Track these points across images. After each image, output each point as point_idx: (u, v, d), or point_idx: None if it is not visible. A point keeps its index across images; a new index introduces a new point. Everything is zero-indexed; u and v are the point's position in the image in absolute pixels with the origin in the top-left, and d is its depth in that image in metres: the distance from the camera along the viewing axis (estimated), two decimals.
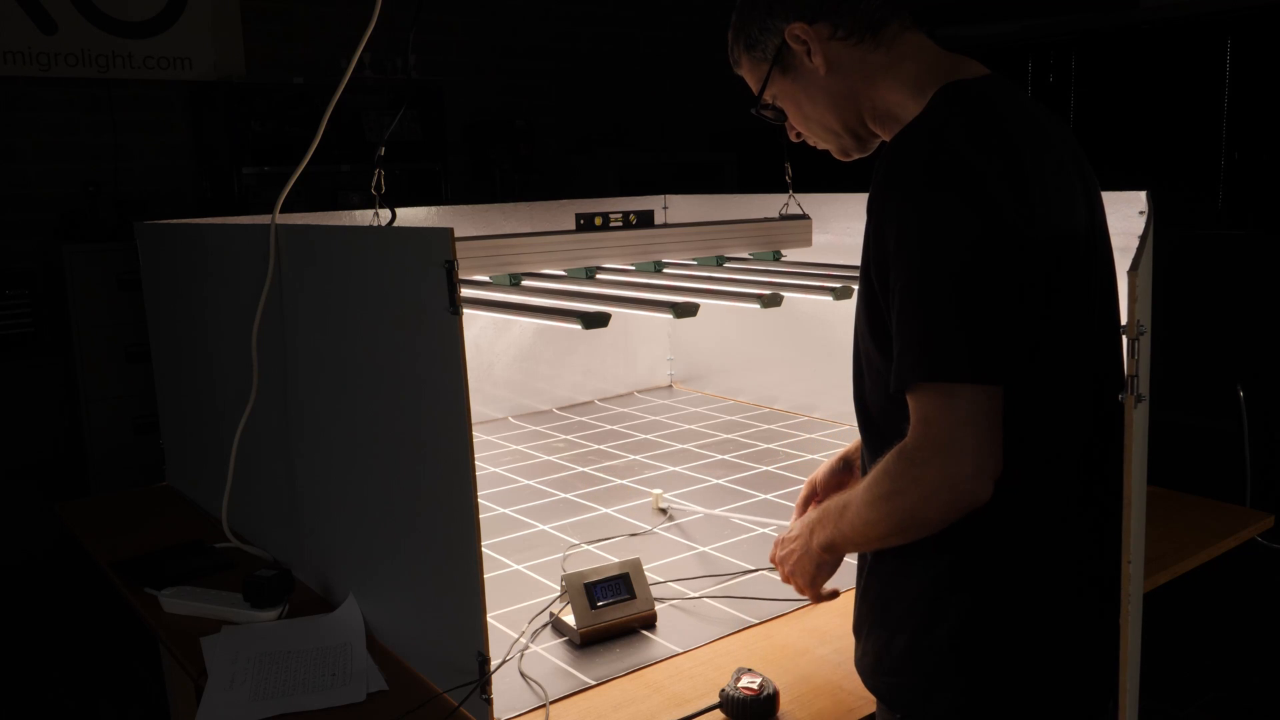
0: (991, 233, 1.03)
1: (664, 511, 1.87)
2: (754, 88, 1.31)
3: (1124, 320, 0.99)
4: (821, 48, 1.21)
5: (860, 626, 1.26)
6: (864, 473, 1.30)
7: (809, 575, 1.36)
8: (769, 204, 2.41)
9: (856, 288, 2.02)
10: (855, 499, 1.17)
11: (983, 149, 1.06)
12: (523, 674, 1.39)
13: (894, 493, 1.09)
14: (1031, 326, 1.06)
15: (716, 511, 1.79)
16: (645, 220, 2.12)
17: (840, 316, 2.53)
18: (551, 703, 1.32)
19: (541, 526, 1.96)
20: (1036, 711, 1.15)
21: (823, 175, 2.46)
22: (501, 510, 2.06)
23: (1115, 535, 1.09)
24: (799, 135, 1.35)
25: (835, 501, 1.25)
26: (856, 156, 1.32)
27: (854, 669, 1.28)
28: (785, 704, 1.31)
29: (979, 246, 1.02)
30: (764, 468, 2.30)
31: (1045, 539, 1.13)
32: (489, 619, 1.29)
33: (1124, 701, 1.03)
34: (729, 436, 2.57)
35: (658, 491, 1.86)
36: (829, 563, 1.34)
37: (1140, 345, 0.97)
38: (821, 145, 1.34)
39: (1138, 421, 1.00)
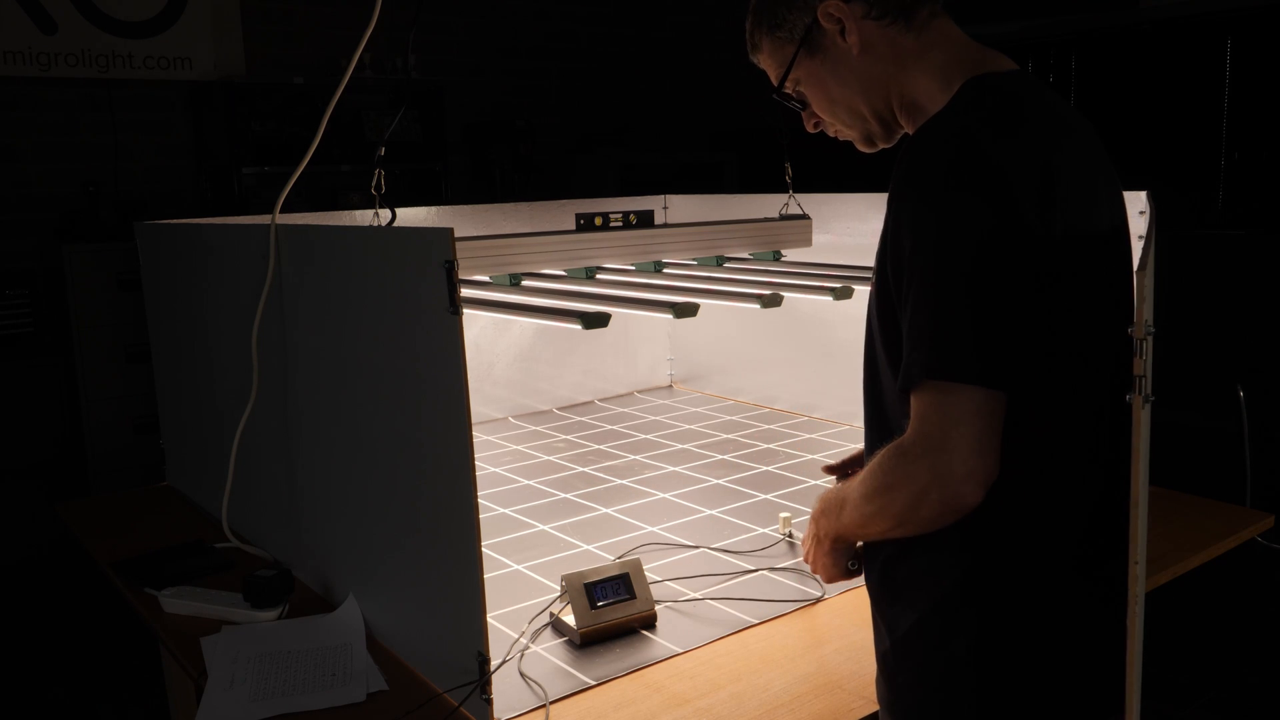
0: (1009, 234, 1.01)
1: (790, 538, 1.81)
2: (775, 73, 1.27)
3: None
4: (856, 25, 1.18)
5: (877, 643, 1.25)
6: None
7: (826, 566, 1.32)
8: (769, 204, 2.41)
9: (860, 287, 2.03)
10: (851, 495, 1.17)
11: (1008, 148, 1.04)
12: (523, 674, 1.39)
13: (886, 488, 1.08)
14: (1048, 331, 1.04)
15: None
16: (645, 220, 2.12)
17: (840, 316, 2.53)
18: (551, 703, 1.32)
19: (541, 526, 1.96)
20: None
21: (823, 175, 2.46)
22: (501, 510, 2.06)
23: (1121, 538, 1.09)
24: (817, 125, 1.31)
25: (834, 496, 1.24)
26: (881, 146, 1.28)
27: (854, 669, 1.28)
28: (785, 703, 1.31)
29: (995, 248, 1.01)
30: (764, 468, 2.30)
31: (1057, 545, 1.12)
32: (489, 619, 1.29)
33: (1131, 703, 1.02)
34: (729, 436, 2.57)
35: (785, 515, 1.83)
36: (842, 549, 1.31)
37: (1147, 345, 0.97)
38: (845, 134, 1.30)
39: (1144, 422, 1.00)
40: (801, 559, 1.45)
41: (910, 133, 1.22)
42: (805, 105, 1.29)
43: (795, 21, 1.21)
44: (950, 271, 1.02)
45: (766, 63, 1.29)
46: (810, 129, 1.32)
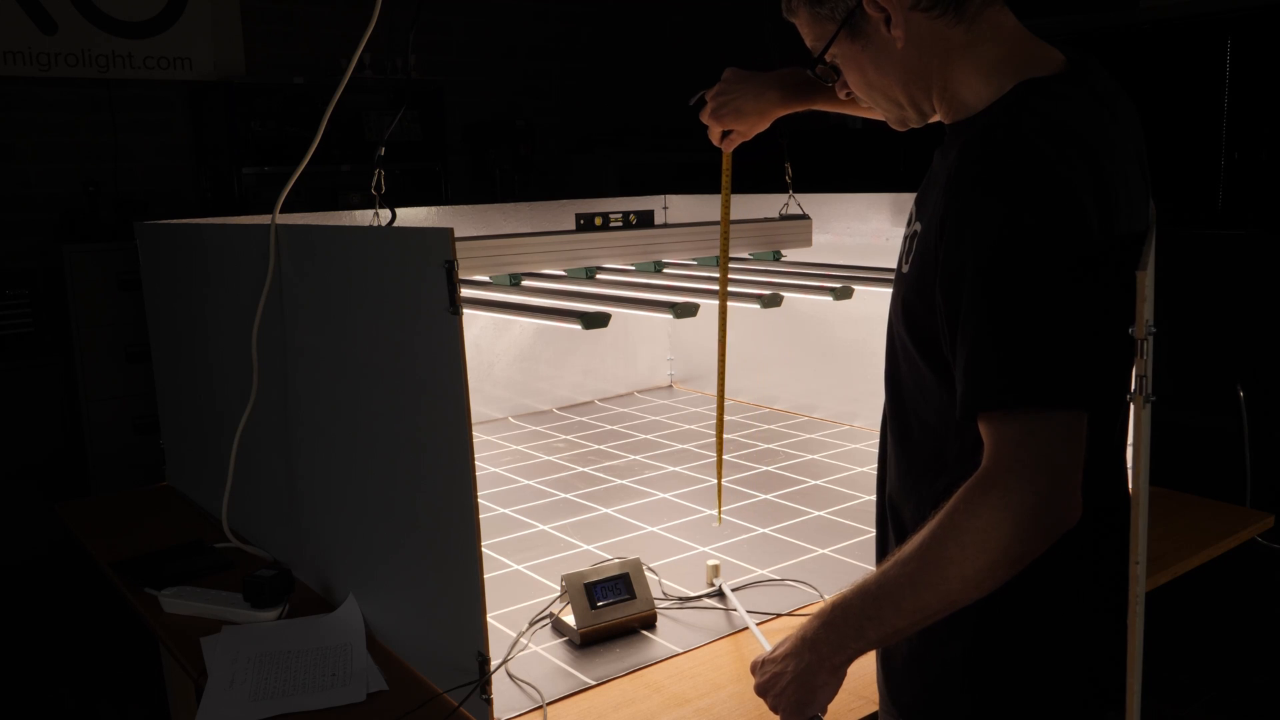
0: (1083, 249, 0.98)
1: (714, 585, 1.67)
2: (810, 42, 1.22)
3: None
4: (902, 18, 1.12)
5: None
6: (881, 504, 1.26)
7: (797, 703, 1.16)
8: (769, 204, 2.41)
9: (860, 287, 2.02)
10: (897, 570, 1.05)
11: (1068, 159, 1.00)
12: (519, 675, 1.39)
13: (971, 529, 0.99)
14: (1103, 341, 1.02)
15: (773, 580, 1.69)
16: (645, 220, 2.12)
17: (840, 316, 2.53)
18: (551, 703, 1.32)
19: (541, 526, 1.96)
20: None
21: (823, 175, 2.46)
22: (501, 510, 2.06)
23: (1121, 539, 1.08)
24: (850, 94, 1.26)
25: (850, 601, 1.10)
26: (913, 127, 1.24)
27: (854, 669, 1.28)
28: None
29: (1072, 264, 0.98)
30: (764, 468, 2.30)
31: (1060, 547, 1.11)
32: (489, 619, 1.29)
33: (1131, 704, 1.02)
34: (729, 436, 2.56)
35: (714, 563, 1.77)
36: (834, 683, 1.16)
37: (1148, 345, 0.97)
38: (877, 112, 1.26)
39: (1145, 422, 0.99)
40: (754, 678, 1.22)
41: (947, 122, 1.18)
42: (840, 77, 1.24)
43: (838, 2, 1.16)
44: (1027, 289, 0.98)
45: (803, 30, 1.23)
46: (843, 97, 1.29)
